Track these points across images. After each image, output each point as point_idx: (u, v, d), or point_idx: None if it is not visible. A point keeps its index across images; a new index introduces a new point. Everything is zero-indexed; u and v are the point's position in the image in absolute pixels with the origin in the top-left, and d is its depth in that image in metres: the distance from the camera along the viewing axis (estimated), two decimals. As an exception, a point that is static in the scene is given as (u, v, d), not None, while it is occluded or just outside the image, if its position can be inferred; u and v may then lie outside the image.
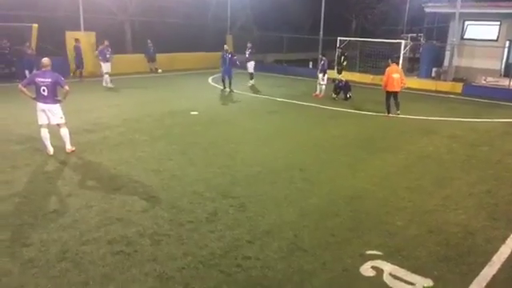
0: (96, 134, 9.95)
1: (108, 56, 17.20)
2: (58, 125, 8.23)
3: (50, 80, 7.86)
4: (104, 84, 17.10)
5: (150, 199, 6.35)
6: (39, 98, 7.93)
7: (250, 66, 19.14)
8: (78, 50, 18.86)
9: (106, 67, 17.08)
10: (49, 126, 8.19)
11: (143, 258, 4.74)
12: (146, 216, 5.78)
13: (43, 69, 8.00)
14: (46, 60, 8.08)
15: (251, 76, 19.13)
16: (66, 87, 8.00)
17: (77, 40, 19.03)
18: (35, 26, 18.68)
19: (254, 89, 18.15)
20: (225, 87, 17.32)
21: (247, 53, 19.22)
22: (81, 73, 18.97)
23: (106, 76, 17.07)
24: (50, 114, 8.03)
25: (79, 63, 19.00)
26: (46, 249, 4.87)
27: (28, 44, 18.11)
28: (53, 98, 8.00)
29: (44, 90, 7.85)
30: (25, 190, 6.58)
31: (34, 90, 7.97)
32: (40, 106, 7.99)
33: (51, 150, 8.25)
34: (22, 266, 4.55)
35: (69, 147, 8.44)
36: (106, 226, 5.44)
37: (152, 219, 5.69)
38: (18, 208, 5.95)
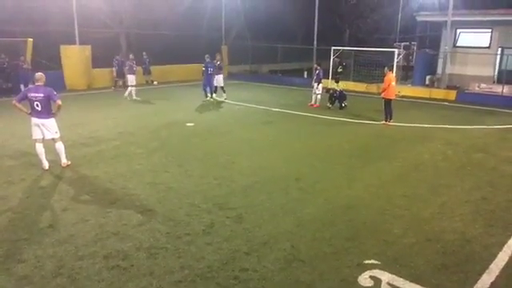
0: (91, 148, 9.93)
1: (134, 69, 17.93)
2: (53, 139, 8.20)
3: (42, 95, 7.83)
4: (128, 97, 17.40)
5: (147, 212, 6.31)
6: (33, 112, 7.91)
7: (219, 79, 17.87)
8: (118, 62, 20.30)
9: (131, 80, 17.67)
10: (44, 140, 8.16)
11: (140, 273, 4.70)
12: (142, 229, 5.74)
13: (36, 83, 7.99)
14: (38, 75, 8.04)
15: (223, 90, 18.04)
16: (59, 102, 7.96)
17: (118, 54, 21.02)
18: (30, 40, 18.74)
19: (248, 99, 18.17)
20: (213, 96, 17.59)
21: (216, 65, 17.89)
22: (123, 83, 20.02)
23: (131, 89, 17.53)
24: (45, 128, 8.00)
25: (119, 75, 20.23)
26: (41, 264, 4.83)
27: (23, 58, 18.14)
28: (47, 112, 7.96)
29: (37, 105, 7.83)
30: (20, 205, 6.53)
31: (28, 105, 7.95)
32: (34, 120, 7.96)
33: (46, 165, 8.21)
34: (17, 282, 4.50)
35: (64, 161, 8.40)
36: (102, 241, 5.40)
37: (148, 232, 5.65)
38: (12, 223, 5.90)
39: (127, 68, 18.08)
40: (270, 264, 4.93)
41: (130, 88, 17.59)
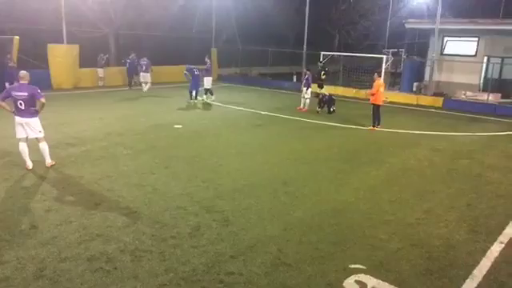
0: (77, 148, 9.79)
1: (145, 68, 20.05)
2: (37, 139, 8.06)
3: (26, 94, 7.69)
4: (144, 90, 19.88)
5: (132, 214, 6.24)
6: (17, 111, 7.77)
7: (207, 81, 18.04)
8: (130, 62, 21.15)
9: (148, 77, 19.98)
10: (28, 139, 8.02)
11: (123, 275, 4.64)
12: (127, 232, 5.67)
13: (20, 82, 7.85)
14: (22, 73, 7.90)
15: (211, 92, 18.18)
16: (42, 100, 7.85)
17: (130, 54, 21.37)
18: (16, 38, 18.44)
19: (237, 102, 18.16)
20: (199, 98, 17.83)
21: (205, 67, 18.17)
22: (135, 82, 21.26)
23: (143, 85, 20.02)
24: (28, 127, 7.87)
25: (130, 74, 21.23)
26: (23, 266, 4.73)
27: (9, 56, 17.84)
28: (30, 111, 7.83)
29: (21, 104, 7.69)
30: (2, 206, 6.40)
31: (12, 104, 7.80)
32: (18, 119, 7.81)
33: (30, 165, 8.06)
34: (-3, 284, 4.40)
35: (48, 161, 8.27)
36: (86, 243, 5.32)
37: (133, 235, 5.58)
38: (-6, 224, 5.77)
39: (144, 67, 19.77)
40: (256, 268, 4.90)
41: (148, 85, 19.91)
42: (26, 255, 4.96)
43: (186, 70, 17.53)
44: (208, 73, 18.08)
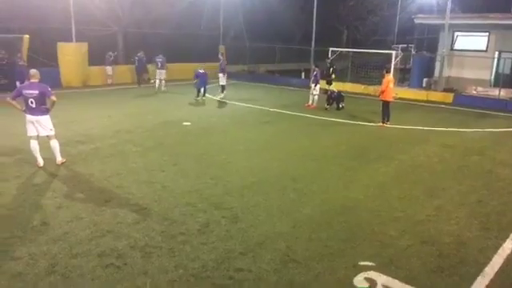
0: (87, 146, 9.87)
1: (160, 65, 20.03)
2: (48, 136, 8.14)
3: (37, 92, 7.78)
4: (164, 88, 19.88)
5: (142, 211, 6.28)
6: (28, 109, 7.86)
7: (221, 77, 18.22)
8: (138, 59, 21.51)
9: (159, 74, 19.96)
10: (39, 137, 8.10)
11: (134, 271, 4.67)
12: (137, 228, 5.71)
13: (31, 80, 7.93)
14: (33, 71, 7.99)
15: (222, 89, 18.33)
16: (53, 97, 7.94)
17: (138, 52, 21.63)
18: (26, 36, 18.61)
19: (245, 99, 18.15)
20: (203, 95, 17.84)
21: (220, 64, 18.57)
22: (144, 80, 21.72)
23: (163, 82, 19.99)
24: (39, 125, 7.95)
25: (139, 72, 21.59)
26: (35, 262, 4.79)
27: (19, 55, 18.00)
28: (41, 109, 7.91)
29: (32, 102, 7.78)
30: (13, 202, 6.48)
31: (23, 102, 7.89)
32: (29, 117, 7.90)
33: (41, 162, 8.15)
34: (10, 280, 4.46)
35: (59, 159, 8.34)
36: (97, 239, 5.36)
37: (143, 231, 5.62)
38: (6, 220, 5.85)
39: (160, 64, 19.83)
40: (265, 264, 4.91)
41: (163, 82, 19.87)
42: (38, 251, 5.02)
43: (194, 78, 17.60)
44: (223, 70, 18.20)
